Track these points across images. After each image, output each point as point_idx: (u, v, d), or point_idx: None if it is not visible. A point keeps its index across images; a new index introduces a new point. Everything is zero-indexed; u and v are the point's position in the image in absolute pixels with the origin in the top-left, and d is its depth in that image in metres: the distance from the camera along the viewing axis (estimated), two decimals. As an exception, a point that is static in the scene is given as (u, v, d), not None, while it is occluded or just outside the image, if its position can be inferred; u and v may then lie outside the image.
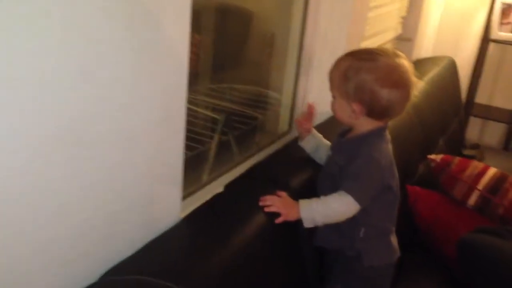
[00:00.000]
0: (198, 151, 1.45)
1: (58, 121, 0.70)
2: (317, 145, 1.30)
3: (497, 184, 1.72)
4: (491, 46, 3.04)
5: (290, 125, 1.86)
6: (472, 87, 3.12)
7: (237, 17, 1.79)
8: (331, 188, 1.11)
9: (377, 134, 1.14)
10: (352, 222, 1.11)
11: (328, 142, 1.30)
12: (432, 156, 1.83)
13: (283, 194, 1.13)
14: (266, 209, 1.07)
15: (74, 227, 0.79)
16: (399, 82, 1.09)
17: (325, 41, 1.76)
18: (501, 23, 2.87)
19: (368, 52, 1.12)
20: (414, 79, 1.12)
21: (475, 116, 3.16)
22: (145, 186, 0.93)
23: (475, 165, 1.80)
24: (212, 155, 1.61)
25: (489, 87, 3.20)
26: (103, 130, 0.78)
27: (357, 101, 1.09)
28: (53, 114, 0.69)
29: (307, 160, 1.33)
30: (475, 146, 2.60)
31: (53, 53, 0.66)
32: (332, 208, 1.08)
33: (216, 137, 1.66)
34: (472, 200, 1.72)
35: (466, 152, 2.55)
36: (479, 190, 1.72)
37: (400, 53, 1.13)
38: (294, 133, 1.86)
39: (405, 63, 1.12)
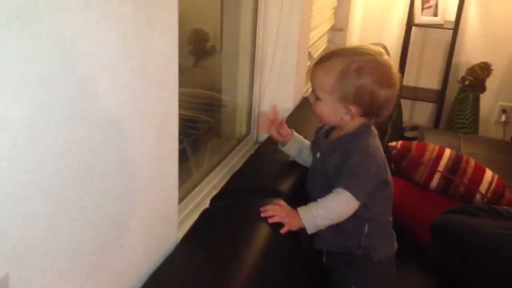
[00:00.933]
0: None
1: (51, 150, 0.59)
2: (300, 148, 1.24)
3: (455, 164, 1.77)
4: (413, 30, 3.15)
5: (248, 127, 1.79)
6: (401, 71, 3.21)
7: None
8: (329, 190, 1.06)
9: (366, 129, 1.12)
10: (355, 220, 1.08)
11: (309, 142, 1.25)
12: (393, 144, 1.84)
13: (282, 202, 1.07)
14: (270, 220, 1.01)
15: (69, 269, 0.68)
16: (393, 80, 1.08)
17: (277, 36, 1.71)
18: (423, 8, 2.98)
19: (359, 53, 1.07)
20: (398, 74, 1.10)
21: (405, 98, 3.27)
22: (144, 213, 0.83)
23: (432, 148, 1.83)
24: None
25: (414, 69, 3.33)
26: (100, 160, 0.68)
27: (355, 103, 1.05)
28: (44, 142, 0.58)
29: (288, 163, 1.27)
30: (415, 128, 2.68)
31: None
32: (332, 209, 1.03)
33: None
34: (435, 182, 1.75)
35: (408, 134, 2.62)
36: (440, 171, 1.75)
37: (381, 49, 1.11)
38: (253, 135, 1.80)
39: (389, 59, 1.10)
